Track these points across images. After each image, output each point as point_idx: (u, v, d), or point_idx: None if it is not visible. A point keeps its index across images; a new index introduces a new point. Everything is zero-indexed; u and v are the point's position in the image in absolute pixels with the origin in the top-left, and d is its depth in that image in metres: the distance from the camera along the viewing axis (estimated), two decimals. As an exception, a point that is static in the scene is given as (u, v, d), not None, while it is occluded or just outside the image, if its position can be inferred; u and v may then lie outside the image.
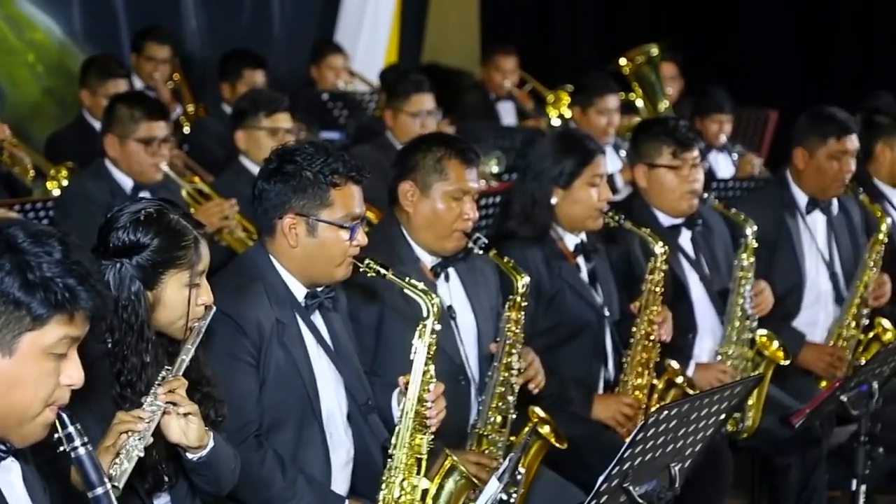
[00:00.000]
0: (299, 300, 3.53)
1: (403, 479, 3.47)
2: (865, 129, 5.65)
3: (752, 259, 4.85)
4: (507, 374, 4.00)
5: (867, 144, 5.59)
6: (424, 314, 3.49)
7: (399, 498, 3.47)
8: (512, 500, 3.59)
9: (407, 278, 3.53)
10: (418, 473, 3.49)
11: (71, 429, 2.29)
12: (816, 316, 5.26)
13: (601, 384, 4.58)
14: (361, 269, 3.51)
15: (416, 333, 3.49)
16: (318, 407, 3.50)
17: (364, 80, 8.95)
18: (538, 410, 3.98)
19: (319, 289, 3.55)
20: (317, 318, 3.57)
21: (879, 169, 5.63)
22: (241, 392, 3.38)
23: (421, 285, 3.52)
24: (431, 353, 3.49)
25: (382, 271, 3.51)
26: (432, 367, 3.50)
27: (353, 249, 3.49)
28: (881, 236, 5.22)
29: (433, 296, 3.52)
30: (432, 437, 3.50)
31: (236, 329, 3.39)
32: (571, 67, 10.37)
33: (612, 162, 6.97)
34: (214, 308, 3.03)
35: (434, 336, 3.49)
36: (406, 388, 3.48)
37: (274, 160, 3.51)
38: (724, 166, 7.68)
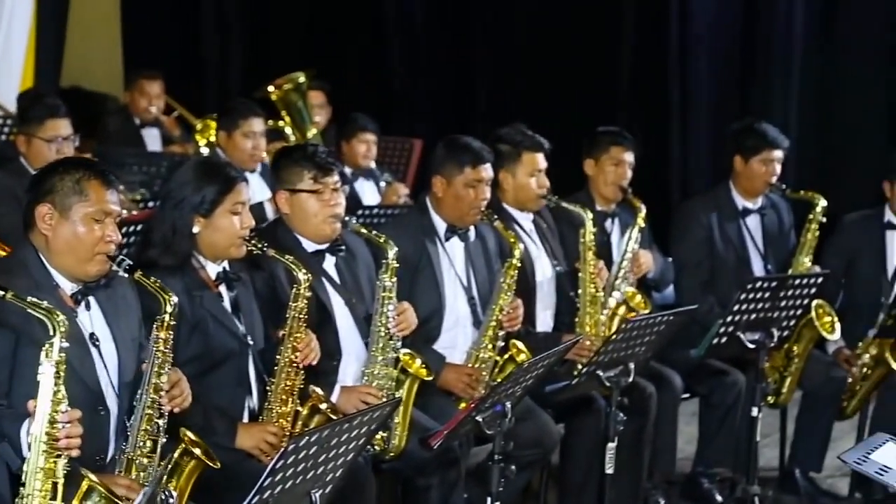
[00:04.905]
0: None
1: (39, 506, 3.32)
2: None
3: (395, 279, 4.96)
4: (155, 396, 3.90)
5: (494, 173, 5.86)
6: (51, 333, 3.37)
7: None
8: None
9: (29, 298, 3.39)
10: (54, 499, 3.36)
11: None
12: (455, 339, 5.43)
13: (246, 413, 4.55)
14: None
15: (43, 353, 3.36)
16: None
17: (-4, 106, 8.54)
18: (189, 433, 3.92)
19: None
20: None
21: (506, 195, 5.89)
22: None
23: (45, 304, 3.39)
24: (61, 372, 3.37)
25: (1, 293, 3.36)
26: (63, 388, 3.37)
27: None
28: (514, 261, 5.45)
29: (58, 314, 3.39)
30: (66, 460, 3.37)
31: None
32: (220, 95, 10.32)
33: (261, 190, 6.97)
34: None
35: (62, 355, 3.37)
36: (35, 413, 3.34)
37: None
38: (370, 193, 7.83)
